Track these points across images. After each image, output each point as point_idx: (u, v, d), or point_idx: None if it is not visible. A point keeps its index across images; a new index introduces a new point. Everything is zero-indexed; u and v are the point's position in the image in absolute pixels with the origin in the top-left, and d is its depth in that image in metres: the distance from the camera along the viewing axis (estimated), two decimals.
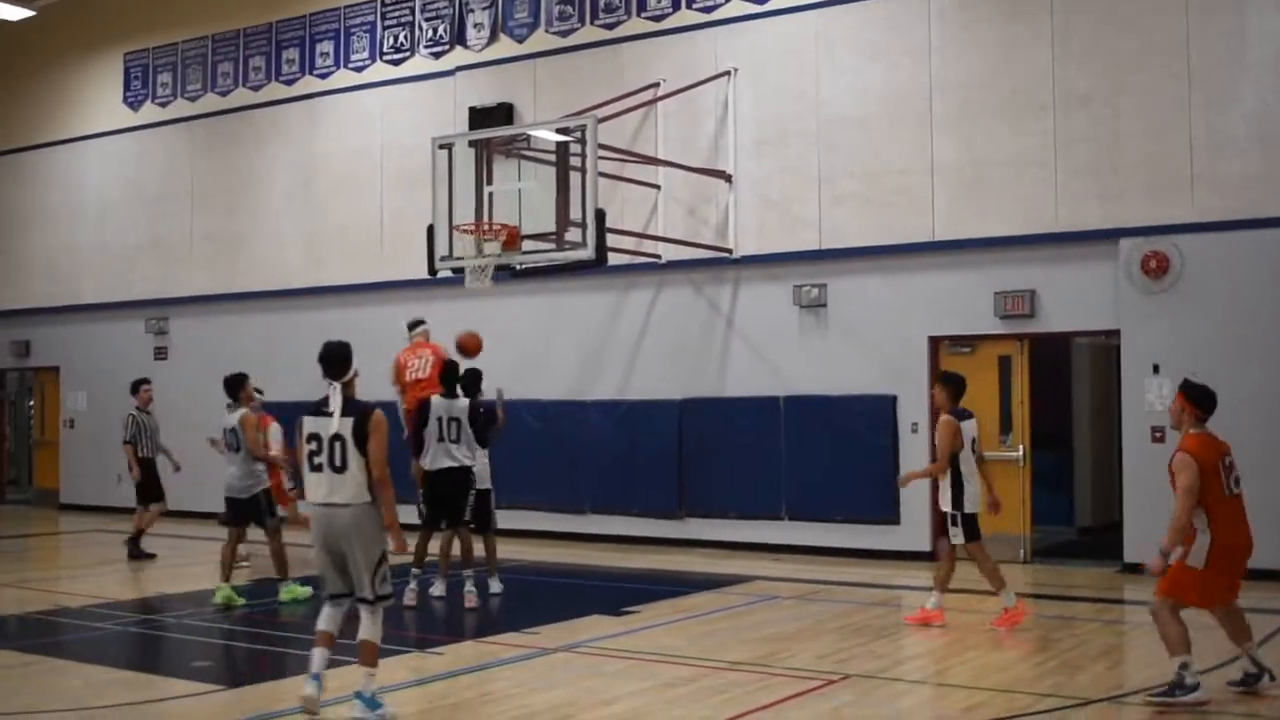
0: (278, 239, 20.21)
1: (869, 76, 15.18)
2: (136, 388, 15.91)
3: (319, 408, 7.68)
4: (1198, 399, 8.23)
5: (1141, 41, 13.66)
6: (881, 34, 15.15)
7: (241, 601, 11.86)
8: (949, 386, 10.86)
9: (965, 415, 10.71)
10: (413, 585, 11.57)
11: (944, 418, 10.62)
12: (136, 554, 15.22)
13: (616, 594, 12.61)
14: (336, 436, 7.53)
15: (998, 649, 9.77)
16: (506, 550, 13.58)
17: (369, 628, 7.60)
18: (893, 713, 7.83)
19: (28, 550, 17.89)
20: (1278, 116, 13.07)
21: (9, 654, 9.79)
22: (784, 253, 15.55)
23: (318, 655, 7.61)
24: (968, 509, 10.57)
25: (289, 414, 12.51)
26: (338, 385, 7.66)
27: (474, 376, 12.33)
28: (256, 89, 20.52)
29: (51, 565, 16.16)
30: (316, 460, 7.60)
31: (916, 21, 14.89)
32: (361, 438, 7.52)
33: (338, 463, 7.54)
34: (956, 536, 10.62)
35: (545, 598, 12.70)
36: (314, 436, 7.62)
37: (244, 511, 12.26)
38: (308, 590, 11.96)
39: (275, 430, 13.69)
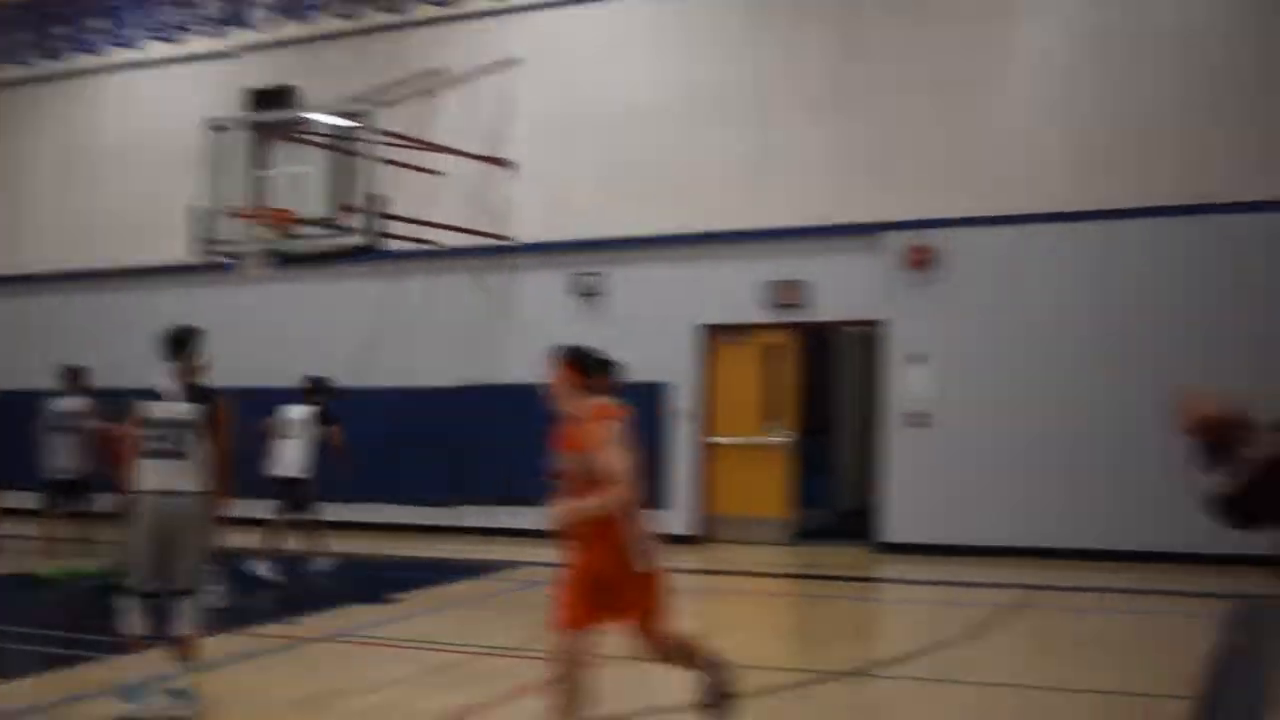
0: (43, 222, 19.40)
1: (654, 70, 15.40)
2: None
3: (155, 392, 7.40)
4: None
5: (917, 45, 14.20)
6: (669, 30, 15.41)
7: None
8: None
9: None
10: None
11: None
12: None
13: (381, 582, 12.51)
14: (182, 422, 7.29)
15: (753, 629, 10.03)
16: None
17: (191, 618, 7.36)
18: (640, 689, 7.95)
19: None
20: (1038, 118, 13.75)
21: None
22: (563, 241, 15.66)
23: (139, 664, 7.38)
24: None
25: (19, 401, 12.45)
26: (174, 368, 7.40)
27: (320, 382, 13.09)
28: (23, 64, 19.66)
29: None
30: (154, 446, 7.27)
31: (706, 18, 15.19)
32: (208, 424, 7.34)
33: (180, 449, 7.30)
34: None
35: (308, 587, 12.51)
36: (156, 422, 7.31)
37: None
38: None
39: None
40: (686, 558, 13.59)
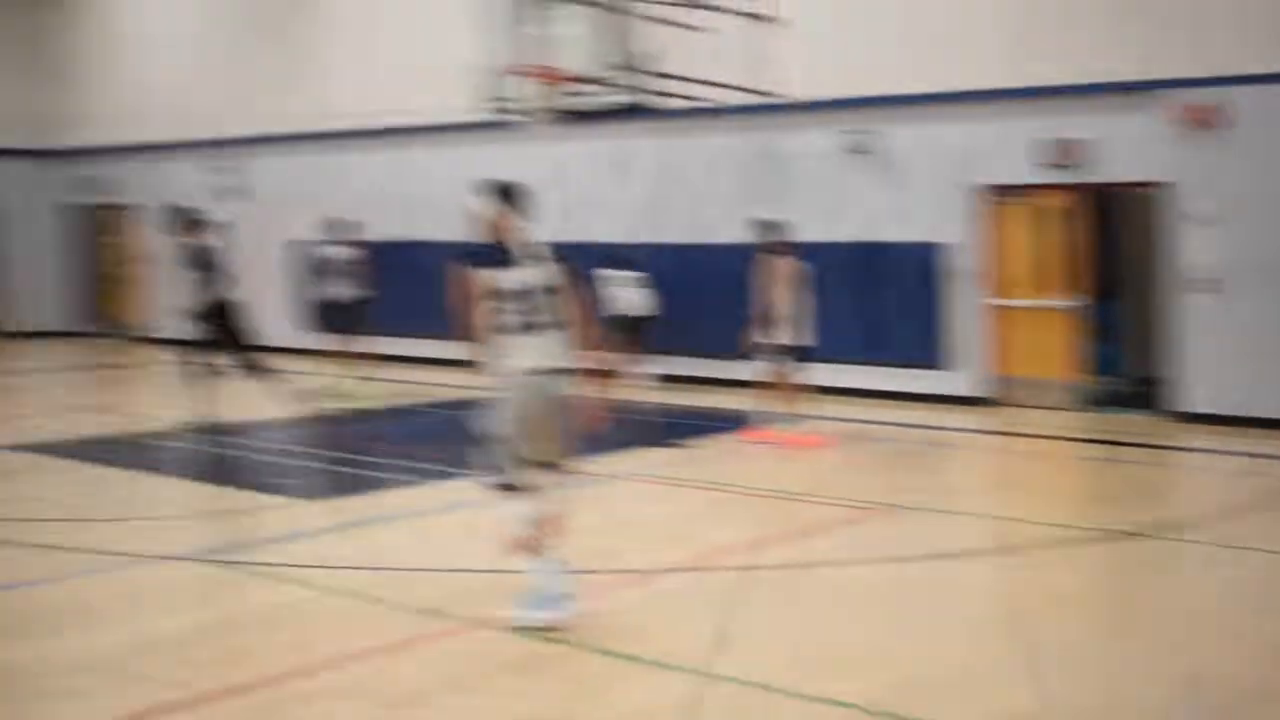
0: (337, 75, 20.34)
1: None
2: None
3: (497, 254, 6.38)
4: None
5: None
6: None
7: None
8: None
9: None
10: None
11: None
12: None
13: (672, 430, 13.00)
14: (547, 289, 6.40)
15: (1035, 488, 10.17)
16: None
17: (557, 498, 6.66)
18: (919, 537, 8.31)
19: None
20: None
21: (114, 470, 10.70)
22: (834, 99, 15.55)
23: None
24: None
25: None
26: (527, 226, 6.55)
27: None
28: None
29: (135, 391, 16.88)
30: (525, 320, 6.33)
31: None
32: (567, 288, 6.50)
33: (552, 319, 6.39)
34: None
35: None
36: (516, 293, 6.32)
37: None
38: None
39: None
40: (976, 418, 13.87)
